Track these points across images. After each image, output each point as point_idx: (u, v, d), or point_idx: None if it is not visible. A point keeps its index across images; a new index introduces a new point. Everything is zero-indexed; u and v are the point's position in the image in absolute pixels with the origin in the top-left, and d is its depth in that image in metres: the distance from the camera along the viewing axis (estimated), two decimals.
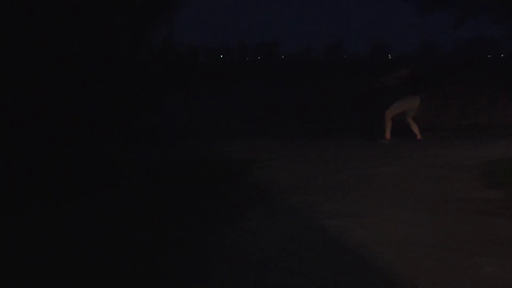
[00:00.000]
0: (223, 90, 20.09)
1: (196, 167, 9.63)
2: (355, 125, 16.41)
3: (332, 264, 4.56)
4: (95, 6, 7.47)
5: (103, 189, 7.64)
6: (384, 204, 6.80)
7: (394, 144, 12.70)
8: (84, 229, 5.71)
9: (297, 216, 6.28)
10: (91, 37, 7.65)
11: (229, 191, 7.75)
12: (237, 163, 9.99)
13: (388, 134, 13.19)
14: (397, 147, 12.25)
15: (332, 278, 4.22)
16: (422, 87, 13.23)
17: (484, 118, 16.25)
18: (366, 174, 9.12)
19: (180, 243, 5.22)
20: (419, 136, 13.23)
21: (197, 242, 5.27)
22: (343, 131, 15.23)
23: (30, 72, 7.13)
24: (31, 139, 7.44)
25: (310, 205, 6.80)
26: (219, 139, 13.95)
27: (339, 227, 5.67)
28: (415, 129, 13.24)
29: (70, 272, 4.40)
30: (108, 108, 7.70)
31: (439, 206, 6.67)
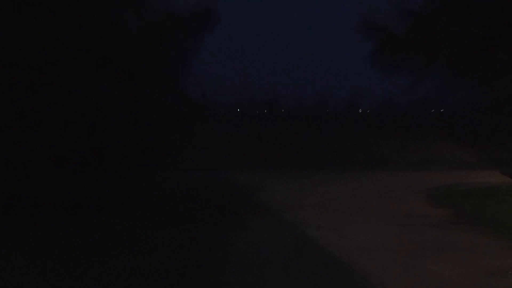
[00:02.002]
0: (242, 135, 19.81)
1: (212, 190, 9.43)
2: (333, 160, 16.23)
3: (320, 267, 4.15)
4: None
5: (135, 204, 7.41)
6: (358, 219, 6.41)
7: None
8: (123, 234, 5.50)
9: (292, 228, 5.92)
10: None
11: (239, 208, 7.44)
12: (244, 186, 9.82)
13: None
14: (364, 177, 12.08)
15: (320, 279, 3.82)
16: None
17: (431, 156, 16.10)
18: (343, 196, 8.85)
19: (198, 247, 4.86)
20: None
21: (211, 247, 4.91)
22: (324, 164, 15.02)
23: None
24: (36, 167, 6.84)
25: (302, 219, 6.50)
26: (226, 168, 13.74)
27: (324, 237, 5.28)
28: None
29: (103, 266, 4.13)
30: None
31: (401, 220, 6.29)
